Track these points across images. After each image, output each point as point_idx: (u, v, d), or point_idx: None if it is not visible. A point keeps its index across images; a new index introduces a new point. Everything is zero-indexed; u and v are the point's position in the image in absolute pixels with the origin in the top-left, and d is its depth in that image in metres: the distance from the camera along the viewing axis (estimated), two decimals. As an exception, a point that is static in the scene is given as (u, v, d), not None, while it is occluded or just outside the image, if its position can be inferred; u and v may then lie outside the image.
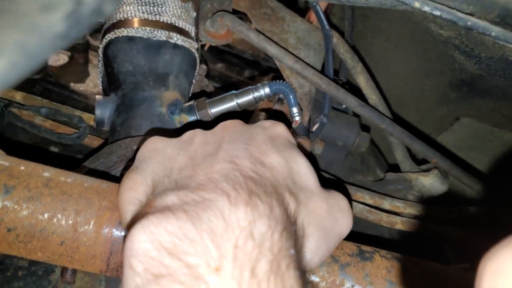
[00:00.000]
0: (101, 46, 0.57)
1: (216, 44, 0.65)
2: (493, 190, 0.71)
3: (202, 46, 0.66)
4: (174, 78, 0.57)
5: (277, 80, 0.56)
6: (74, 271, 0.42)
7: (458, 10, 0.38)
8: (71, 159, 0.68)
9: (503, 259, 0.19)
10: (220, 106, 0.54)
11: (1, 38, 0.15)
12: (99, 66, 0.60)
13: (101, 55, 0.58)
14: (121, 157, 0.47)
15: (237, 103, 0.53)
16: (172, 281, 0.23)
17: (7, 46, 0.15)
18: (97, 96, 0.55)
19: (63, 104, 0.69)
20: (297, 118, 0.57)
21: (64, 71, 0.73)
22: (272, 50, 0.60)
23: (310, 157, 0.66)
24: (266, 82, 0.54)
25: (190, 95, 0.62)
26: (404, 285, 0.38)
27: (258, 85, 0.54)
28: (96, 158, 0.48)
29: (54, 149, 0.69)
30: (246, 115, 0.56)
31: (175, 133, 0.52)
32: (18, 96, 0.68)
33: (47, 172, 0.37)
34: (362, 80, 0.73)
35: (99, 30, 0.62)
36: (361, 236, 0.70)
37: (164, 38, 0.56)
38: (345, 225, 0.35)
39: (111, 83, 0.57)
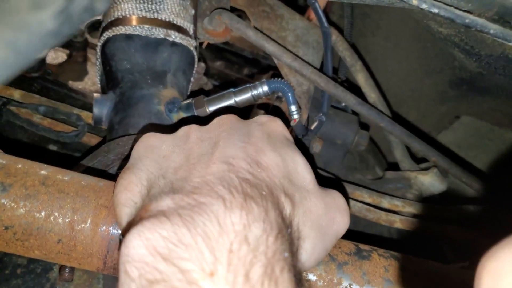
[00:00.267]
0: (99, 44, 0.57)
1: (214, 42, 0.65)
2: (492, 189, 0.71)
3: (201, 44, 0.66)
4: (172, 76, 0.56)
5: (276, 78, 0.55)
6: (72, 269, 0.42)
7: (456, 8, 0.38)
8: (69, 157, 0.68)
9: (503, 259, 0.19)
10: (218, 104, 0.53)
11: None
12: (97, 64, 0.60)
13: (99, 53, 0.58)
14: (119, 155, 0.47)
15: (235, 101, 0.53)
16: (166, 286, 0.23)
17: (-3, 43, 0.15)
18: (95, 94, 0.55)
19: (61, 102, 0.69)
20: (296, 116, 0.57)
21: (62, 69, 0.73)
22: (270, 48, 0.60)
23: (307, 154, 0.66)
24: (265, 80, 0.54)
25: (188, 93, 0.61)
26: (402, 284, 0.38)
27: (257, 83, 0.54)
28: (94, 156, 0.48)
29: (52, 147, 0.68)
30: (244, 110, 0.55)
31: (171, 129, 0.52)
32: (16, 94, 0.68)
33: (44, 170, 0.37)
34: (362, 78, 0.73)
35: (97, 28, 0.62)
36: (359, 234, 0.70)
37: (162, 36, 0.55)
38: (342, 223, 0.34)
39: (109, 81, 0.57)
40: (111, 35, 0.55)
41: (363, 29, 0.83)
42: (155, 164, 0.33)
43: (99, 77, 0.61)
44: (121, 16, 0.55)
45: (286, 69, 0.63)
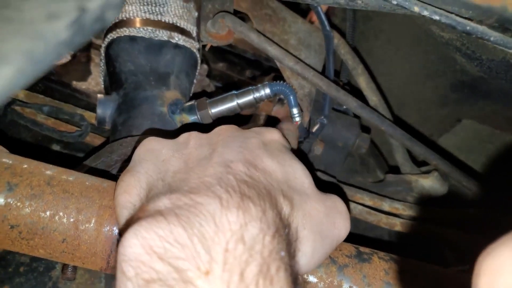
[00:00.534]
0: (103, 45, 0.58)
1: (217, 44, 0.65)
2: (493, 193, 0.71)
3: (204, 46, 0.66)
4: (175, 78, 0.57)
5: (278, 81, 0.56)
6: (75, 268, 0.42)
7: (457, 15, 0.38)
8: (72, 157, 0.69)
9: (500, 257, 0.19)
10: (221, 106, 0.54)
11: (10, 46, 0.15)
12: (101, 65, 0.60)
13: (103, 54, 0.58)
14: (121, 156, 0.47)
15: (237, 103, 0.54)
16: (162, 286, 0.23)
17: (15, 53, 0.15)
18: (99, 95, 0.55)
19: (65, 103, 0.70)
20: (297, 119, 0.57)
21: (66, 69, 0.73)
22: (272, 51, 0.60)
23: (305, 158, 0.66)
24: (267, 82, 0.55)
25: (191, 94, 0.62)
26: (402, 287, 0.39)
27: (259, 85, 0.54)
28: (97, 157, 0.48)
29: (56, 147, 0.69)
30: (246, 119, 0.56)
31: (172, 134, 0.52)
32: (21, 94, 0.68)
33: (50, 170, 0.37)
34: (363, 82, 0.73)
35: (101, 29, 0.62)
36: (360, 237, 0.71)
37: (166, 38, 0.56)
38: (343, 228, 0.35)
39: (113, 82, 0.57)
40: (115, 37, 0.56)
41: (365, 32, 0.83)
42: (154, 168, 0.33)
43: (102, 78, 0.62)
44: (125, 18, 0.56)
45: (288, 71, 0.63)
